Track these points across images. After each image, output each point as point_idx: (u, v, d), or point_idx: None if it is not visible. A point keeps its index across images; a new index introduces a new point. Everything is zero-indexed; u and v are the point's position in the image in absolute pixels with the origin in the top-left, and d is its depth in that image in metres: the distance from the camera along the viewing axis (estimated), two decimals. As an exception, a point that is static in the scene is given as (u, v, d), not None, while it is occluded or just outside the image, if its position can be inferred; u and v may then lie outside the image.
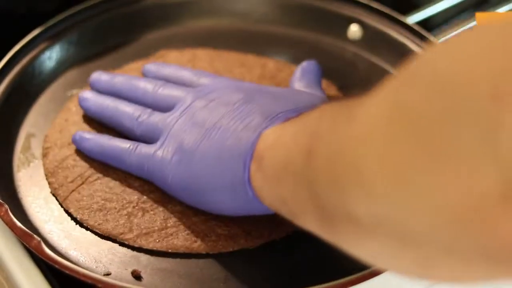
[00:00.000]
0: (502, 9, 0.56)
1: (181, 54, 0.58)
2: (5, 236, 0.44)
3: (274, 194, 0.38)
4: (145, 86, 0.50)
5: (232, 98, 0.44)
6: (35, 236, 0.41)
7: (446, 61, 0.25)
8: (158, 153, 0.45)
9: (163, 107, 0.47)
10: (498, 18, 0.50)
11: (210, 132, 0.42)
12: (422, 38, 0.57)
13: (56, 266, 0.40)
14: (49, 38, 0.57)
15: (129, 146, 0.47)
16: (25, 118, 0.53)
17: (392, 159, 0.25)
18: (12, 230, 0.42)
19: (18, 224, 0.42)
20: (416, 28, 0.58)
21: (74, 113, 0.53)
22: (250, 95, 0.44)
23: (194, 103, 0.45)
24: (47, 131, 0.52)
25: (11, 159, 0.50)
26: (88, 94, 0.52)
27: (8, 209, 0.43)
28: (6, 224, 0.42)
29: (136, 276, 0.42)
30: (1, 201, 0.43)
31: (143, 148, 0.46)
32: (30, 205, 0.47)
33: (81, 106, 0.52)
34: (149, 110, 0.48)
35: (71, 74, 0.57)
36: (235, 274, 0.43)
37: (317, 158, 0.31)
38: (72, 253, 0.44)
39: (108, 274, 0.42)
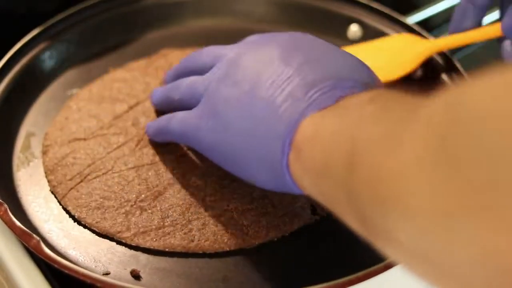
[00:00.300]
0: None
1: (182, 53, 0.58)
2: (5, 236, 0.44)
3: (314, 187, 0.36)
4: (191, 56, 0.49)
5: (271, 55, 0.41)
6: (34, 235, 0.41)
7: (499, 101, 0.24)
8: (194, 117, 0.43)
9: (206, 69, 0.46)
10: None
11: (246, 98, 0.40)
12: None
13: (55, 265, 0.40)
14: (49, 37, 0.58)
15: (171, 114, 0.46)
16: (25, 117, 0.53)
17: (440, 197, 0.25)
18: (12, 230, 0.42)
19: (18, 223, 0.42)
20: (416, 28, 0.58)
21: (74, 111, 0.53)
22: (288, 51, 0.41)
23: (230, 58, 0.43)
24: (48, 129, 0.52)
25: (11, 158, 0.50)
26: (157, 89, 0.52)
27: (8, 209, 0.43)
28: (6, 223, 0.42)
29: (135, 275, 0.42)
30: (0, 200, 0.43)
31: (183, 114, 0.45)
32: (30, 205, 0.47)
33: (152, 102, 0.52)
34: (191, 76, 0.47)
35: (71, 74, 0.57)
36: (234, 274, 0.43)
37: (360, 173, 0.30)
38: (72, 253, 0.44)
39: (107, 274, 0.42)
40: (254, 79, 0.40)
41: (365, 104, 0.34)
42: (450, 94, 0.26)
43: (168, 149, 0.49)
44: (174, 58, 0.57)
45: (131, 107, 0.53)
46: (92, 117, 0.52)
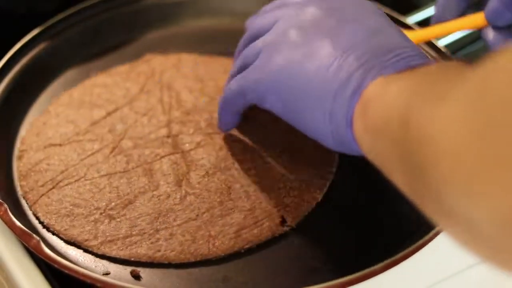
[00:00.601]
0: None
1: (165, 58, 0.57)
2: (5, 236, 0.44)
3: (371, 146, 0.37)
4: (249, 24, 0.49)
5: (344, 12, 0.42)
6: (34, 235, 0.41)
7: None
8: (255, 65, 0.44)
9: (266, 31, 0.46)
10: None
11: (315, 40, 0.41)
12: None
13: (55, 265, 0.40)
14: (49, 37, 0.58)
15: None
16: (25, 118, 0.53)
17: (467, 157, 0.26)
18: (12, 230, 0.42)
19: (18, 223, 0.42)
20: (416, 28, 0.58)
21: (52, 116, 0.52)
22: (359, 12, 0.43)
23: (293, 11, 0.44)
24: (24, 133, 0.51)
25: (11, 159, 0.50)
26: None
27: (8, 209, 0.43)
28: (6, 223, 0.42)
29: (135, 275, 0.42)
30: (0, 200, 0.43)
31: (241, 73, 0.45)
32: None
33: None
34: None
35: (71, 74, 0.57)
36: (234, 274, 0.43)
37: (412, 130, 0.31)
38: (72, 253, 0.44)
39: (107, 274, 0.42)
40: (323, 27, 0.42)
41: (432, 72, 0.35)
42: (492, 59, 0.27)
43: (142, 157, 0.49)
44: (156, 63, 0.57)
45: (109, 113, 0.52)
46: (70, 123, 0.51)
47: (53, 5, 0.60)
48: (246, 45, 0.47)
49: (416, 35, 0.53)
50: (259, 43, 0.45)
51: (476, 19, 0.50)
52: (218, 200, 0.46)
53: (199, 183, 0.47)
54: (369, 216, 0.46)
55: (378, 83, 0.37)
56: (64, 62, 0.58)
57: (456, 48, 0.63)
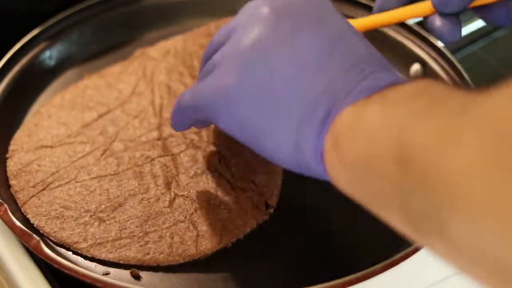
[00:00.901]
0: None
1: (156, 49, 0.57)
2: (5, 236, 0.44)
3: (352, 183, 0.34)
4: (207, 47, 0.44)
5: (296, 24, 0.37)
6: (34, 235, 0.41)
7: None
8: (207, 81, 0.39)
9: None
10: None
11: (268, 55, 0.36)
12: (422, 38, 0.57)
13: (55, 265, 0.40)
14: (49, 37, 0.58)
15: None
16: (25, 117, 0.53)
17: (502, 198, 0.24)
18: (12, 230, 0.42)
19: (18, 223, 0.42)
20: (416, 28, 0.58)
21: (44, 118, 0.52)
22: (314, 23, 0.37)
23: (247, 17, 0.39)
24: (16, 133, 0.51)
25: (11, 159, 0.50)
26: None
27: (8, 209, 0.43)
28: (6, 223, 0.42)
29: (135, 275, 0.42)
30: (0, 200, 0.43)
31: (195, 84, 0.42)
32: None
33: None
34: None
35: (71, 74, 0.57)
36: (234, 274, 0.43)
37: (414, 169, 0.28)
38: (72, 253, 0.43)
39: (107, 274, 0.42)
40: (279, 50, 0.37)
41: (414, 96, 0.31)
42: (504, 92, 0.25)
43: (133, 160, 0.48)
44: (149, 58, 0.56)
45: (100, 116, 0.52)
46: (61, 125, 0.51)
47: (53, 5, 0.60)
48: (208, 57, 0.43)
49: (360, 23, 0.49)
50: (215, 57, 0.40)
51: (423, 7, 0.47)
52: (206, 199, 0.46)
53: (187, 184, 0.47)
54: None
55: (349, 111, 0.34)
56: (64, 62, 0.58)
57: (456, 47, 0.63)
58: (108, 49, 0.60)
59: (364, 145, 0.32)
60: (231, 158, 0.48)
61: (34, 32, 0.57)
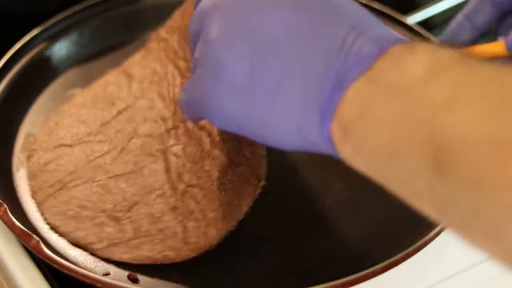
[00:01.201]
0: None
1: (171, 24, 0.56)
2: (5, 236, 0.44)
3: (373, 170, 0.31)
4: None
5: None
6: (34, 235, 0.41)
7: None
8: (194, 79, 0.38)
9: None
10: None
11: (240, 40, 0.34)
12: (423, 38, 0.57)
13: (55, 266, 0.40)
14: (49, 37, 0.58)
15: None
16: (24, 118, 0.53)
17: None
18: (12, 230, 0.42)
19: (17, 223, 0.42)
20: (416, 28, 0.58)
21: (65, 116, 0.52)
22: None
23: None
24: (38, 132, 0.51)
25: (11, 159, 0.50)
26: None
27: (7, 209, 0.43)
28: (5, 223, 0.42)
29: (133, 279, 0.42)
30: (0, 200, 0.43)
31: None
32: (29, 205, 0.47)
33: None
34: None
35: (71, 74, 0.57)
36: (234, 275, 0.43)
37: (456, 174, 0.25)
38: (71, 253, 0.43)
39: (107, 274, 0.42)
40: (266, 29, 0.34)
41: (429, 79, 0.27)
42: None
43: (149, 157, 0.48)
44: (162, 39, 0.55)
45: (120, 112, 0.52)
46: (82, 123, 0.51)
47: (53, 5, 0.60)
48: (194, 48, 0.40)
49: None
50: (196, 53, 0.38)
51: (495, 48, 0.45)
52: (210, 183, 0.46)
53: (195, 172, 0.46)
54: (366, 216, 0.46)
55: (353, 94, 0.30)
56: (64, 62, 0.58)
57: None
58: (108, 49, 0.60)
59: (380, 140, 0.29)
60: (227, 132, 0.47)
61: (34, 32, 0.57)
